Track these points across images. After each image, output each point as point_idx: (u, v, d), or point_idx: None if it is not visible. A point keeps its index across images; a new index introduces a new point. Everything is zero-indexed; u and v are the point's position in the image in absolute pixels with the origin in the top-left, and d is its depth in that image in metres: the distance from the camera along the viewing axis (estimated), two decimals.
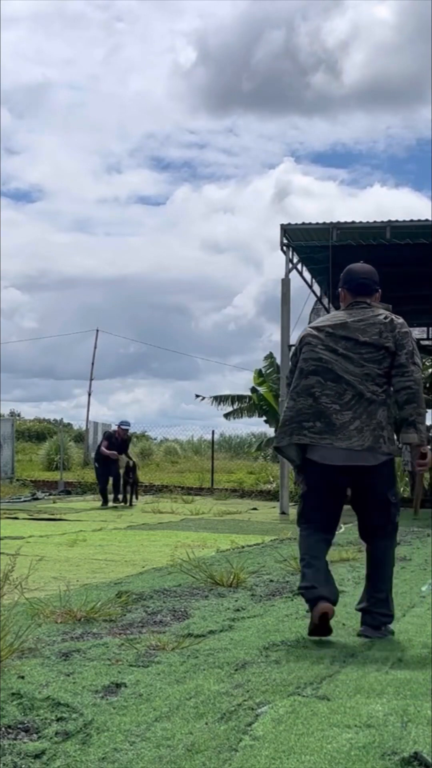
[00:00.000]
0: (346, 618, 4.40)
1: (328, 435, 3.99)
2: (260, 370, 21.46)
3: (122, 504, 15.24)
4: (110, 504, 15.13)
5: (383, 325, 4.06)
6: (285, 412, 4.18)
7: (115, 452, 15.61)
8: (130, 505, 15.16)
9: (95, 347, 31.93)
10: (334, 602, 3.96)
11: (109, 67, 66.81)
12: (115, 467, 15.62)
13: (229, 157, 73.34)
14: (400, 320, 4.11)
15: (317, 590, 3.93)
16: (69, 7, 62.91)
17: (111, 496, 15.48)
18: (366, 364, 4.03)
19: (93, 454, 19.14)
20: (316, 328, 4.21)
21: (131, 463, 15.73)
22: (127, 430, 16.40)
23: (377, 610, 4.07)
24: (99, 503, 15.28)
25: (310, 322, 17.70)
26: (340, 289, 4.33)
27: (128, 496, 15.45)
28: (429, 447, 3.98)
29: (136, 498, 15.75)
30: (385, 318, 4.10)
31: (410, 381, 3.97)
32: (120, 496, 15.49)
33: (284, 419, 4.17)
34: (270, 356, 21.27)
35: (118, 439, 15.94)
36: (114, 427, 16.61)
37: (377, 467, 4.05)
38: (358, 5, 61.89)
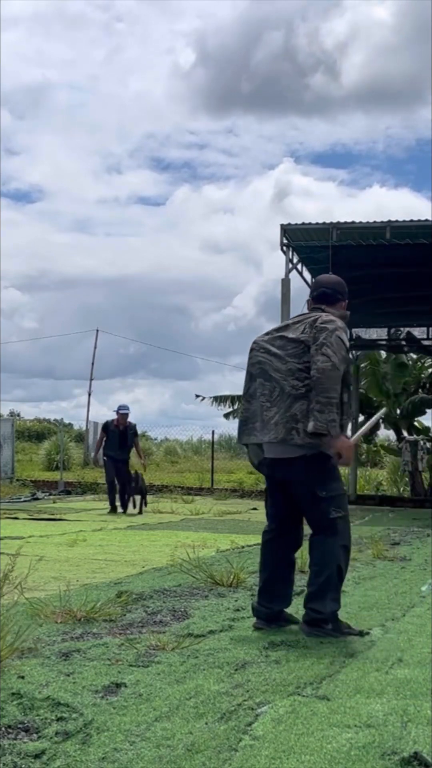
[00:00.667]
0: (346, 618, 4.40)
1: (258, 431, 4.17)
2: None
3: (124, 511, 13.15)
4: (119, 510, 13.22)
5: (309, 322, 4.16)
6: (239, 416, 4.42)
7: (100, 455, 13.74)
8: (139, 511, 13.18)
9: (95, 347, 31.92)
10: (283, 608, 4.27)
11: (109, 68, 66.89)
12: (124, 468, 13.46)
13: (229, 158, 73.42)
14: (329, 318, 4.15)
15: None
16: (69, 9, 62.94)
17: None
18: (289, 360, 4.13)
19: (93, 454, 17.71)
20: (265, 333, 4.40)
21: (133, 472, 13.52)
22: (127, 415, 13.61)
23: (309, 605, 4.06)
24: (98, 503, 15.06)
25: None
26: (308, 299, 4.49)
27: (128, 503, 13.34)
28: (335, 438, 3.97)
29: (144, 505, 13.46)
30: (317, 317, 4.18)
31: (313, 370, 3.99)
32: (129, 506, 13.31)
33: (239, 422, 4.40)
34: None
35: (117, 429, 13.50)
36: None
37: (296, 460, 4.07)
38: (356, 6, 61.89)
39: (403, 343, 19.37)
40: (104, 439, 13.82)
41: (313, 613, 4.03)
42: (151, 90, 70.30)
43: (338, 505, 4.10)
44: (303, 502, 4.16)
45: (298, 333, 4.15)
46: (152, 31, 68.22)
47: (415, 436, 19.85)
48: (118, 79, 68.91)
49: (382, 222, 14.50)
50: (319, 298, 4.38)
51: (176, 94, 66.90)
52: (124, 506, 13.32)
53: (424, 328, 19.95)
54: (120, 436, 13.57)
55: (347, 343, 4.17)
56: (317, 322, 4.12)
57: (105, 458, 13.79)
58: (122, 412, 13.67)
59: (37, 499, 16.88)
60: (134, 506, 13.34)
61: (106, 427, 13.87)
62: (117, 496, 13.42)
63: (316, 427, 3.92)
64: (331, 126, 73.75)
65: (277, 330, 4.33)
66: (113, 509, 13.17)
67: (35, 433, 36.05)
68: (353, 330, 19.78)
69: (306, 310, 4.46)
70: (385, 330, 20.18)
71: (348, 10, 62.45)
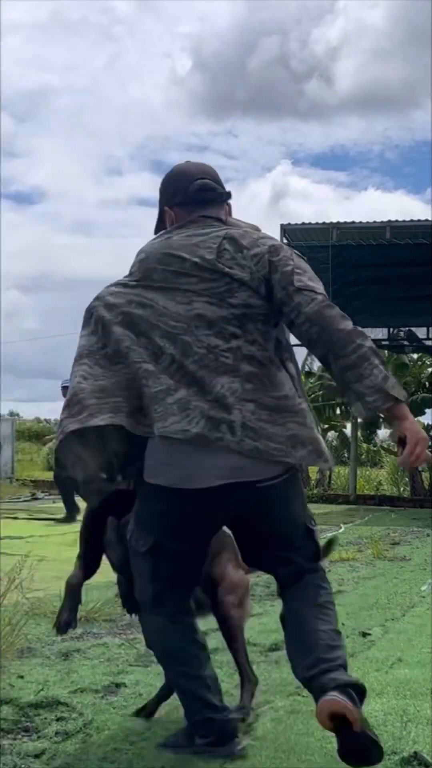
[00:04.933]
0: (346, 618, 4.39)
1: (141, 417, 2.40)
2: None
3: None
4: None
5: (228, 241, 2.47)
6: (71, 389, 2.45)
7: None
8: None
9: None
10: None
11: (109, 73, 67.14)
12: None
13: (228, 160, 73.60)
14: (265, 234, 2.62)
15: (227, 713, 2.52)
16: (70, 15, 63.16)
17: None
18: (196, 300, 2.42)
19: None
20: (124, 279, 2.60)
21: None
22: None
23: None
24: None
25: None
26: (166, 209, 2.64)
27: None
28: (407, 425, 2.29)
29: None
30: (235, 231, 2.52)
31: (306, 318, 2.33)
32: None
33: (71, 397, 2.43)
34: None
35: None
36: None
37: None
38: (349, 12, 62.02)
39: (405, 343, 19.36)
40: None
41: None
42: (150, 94, 70.61)
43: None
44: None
45: (208, 257, 2.45)
46: (151, 38, 68.47)
47: None
48: (119, 84, 69.27)
49: (382, 222, 14.53)
50: (203, 196, 2.59)
51: (175, 99, 67.16)
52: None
53: (425, 329, 19.99)
54: None
55: None
56: (257, 241, 2.51)
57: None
58: (63, 385, 10.69)
59: (37, 499, 16.84)
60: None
61: None
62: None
63: (376, 404, 2.26)
64: (328, 129, 73.99)
65: (149, 254, 2.54)
66: (70, 516, 10.36)
67: (35, 433, 36.02)
68: None
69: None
70: (386, 330, 20.20)
71: (341, 15, 62.65)
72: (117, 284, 2.55)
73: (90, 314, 2.53)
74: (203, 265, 2.44)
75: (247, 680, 2.85)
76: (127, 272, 2.57)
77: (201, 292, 2.43)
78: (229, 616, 2.80)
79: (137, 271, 2.53)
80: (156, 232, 2.70)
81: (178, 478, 2.36)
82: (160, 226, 2.69)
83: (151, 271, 2.49)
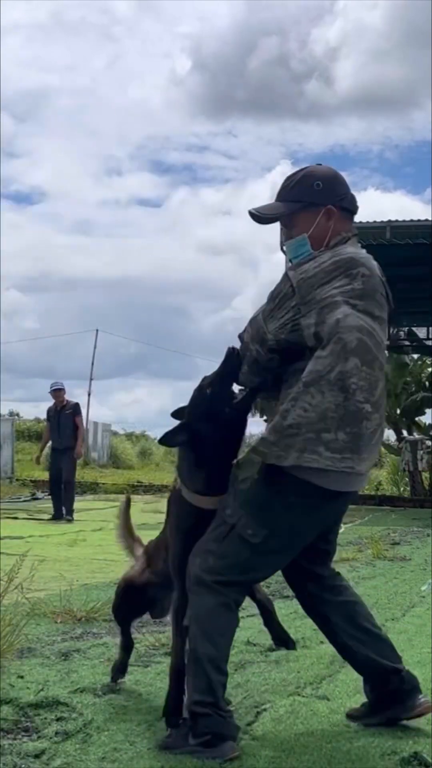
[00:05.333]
0: None
1: (349, 455, 2.45)
2: None
3: (68, 518, 11.15)
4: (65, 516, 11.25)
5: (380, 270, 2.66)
6: (299, 411, 2.43)
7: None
8: (56, 516, 11.34)
9: (95, 347, 31.91)
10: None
11: (110, 74, 67.36)
12: (66, 458, 11.38)
13: (228, 161, 73.70)
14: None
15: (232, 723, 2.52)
16: (70, 16, 63.38)
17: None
18: (383, 334, 2.59)
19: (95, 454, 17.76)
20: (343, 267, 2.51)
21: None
22: (60, 391, 11.44)
23: None
24: (98, 503, 14.98)
25: None
26: (330, 207, 2.61)
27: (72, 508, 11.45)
28: None
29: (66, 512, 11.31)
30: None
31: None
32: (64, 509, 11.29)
33: (295, 422, 2.44)
34: None
35: (55, 411, 11.46)
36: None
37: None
38: (349, 12, 62.17)
39: (405, 343, 19.35)
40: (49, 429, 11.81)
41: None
42: (150, 94, 70.87)
43: None
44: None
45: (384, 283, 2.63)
46: (151, 38, 68.76)
47: (415, 435, 19.83)
48: (119, 84, 69.51)
49: (382, 222, 14.52)
50: (355, 210, 2.77)
51: (175, 99, 67.44)
52: (68, 511, 11.38)
53: (424, 329, 19.98)
54: (56, 419, 11.46)
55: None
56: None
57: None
58: (54, 388, 11.50)
59: (37, 499, 16.83)
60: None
61: (48, 414, 11.76)
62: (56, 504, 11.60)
63: None
64: (328, 129, 74.18)
65: (364, 268, 2.53)
66: (57, 515, 11.41)
67: (35, 433, 36.00)
68: None
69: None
70: None
71: (340, 16, 62.83)
72: (347, 302, 2.45)
73: (339, 339, 2.44)
74: (385, 294, 2.60)
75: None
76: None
77: (386, 320, 2.59)
78: (268, 599, 3.16)
79: (362, 289, 2.49)
80: (275, 220, 2.70)
81: (334, 481, 2.49)
82: (294, 218, 2.65)
83: (375, 295, 2.54)
